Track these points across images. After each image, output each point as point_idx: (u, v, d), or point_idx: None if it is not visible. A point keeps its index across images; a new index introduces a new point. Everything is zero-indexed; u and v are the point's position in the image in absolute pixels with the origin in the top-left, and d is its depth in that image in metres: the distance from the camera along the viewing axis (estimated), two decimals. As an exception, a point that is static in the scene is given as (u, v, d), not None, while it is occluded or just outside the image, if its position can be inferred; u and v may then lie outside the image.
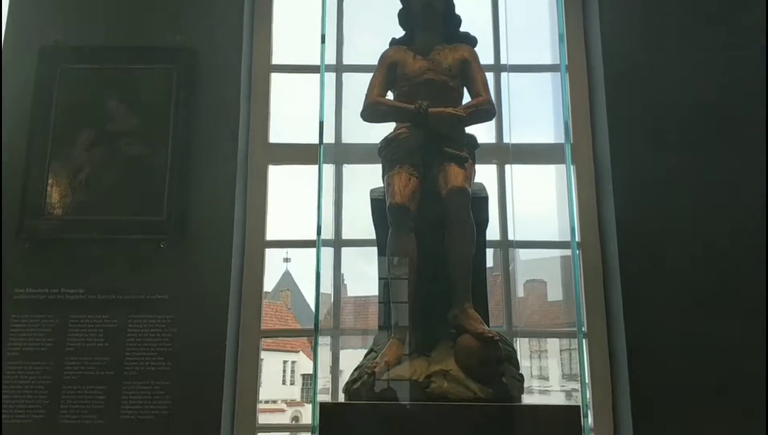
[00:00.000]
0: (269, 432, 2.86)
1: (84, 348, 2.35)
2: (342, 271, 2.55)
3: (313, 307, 1.95)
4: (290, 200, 2.83)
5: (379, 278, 1.99)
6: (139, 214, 2.44)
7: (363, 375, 1.79)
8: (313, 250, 1.94)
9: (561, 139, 2.14)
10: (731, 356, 2.29)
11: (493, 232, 2.45)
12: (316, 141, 1.99)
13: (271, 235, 2.65)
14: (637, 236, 2.42)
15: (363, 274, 2.26)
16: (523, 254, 2.68)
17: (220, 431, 2.29)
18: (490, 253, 2.31)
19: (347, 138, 2.55)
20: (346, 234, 2.59)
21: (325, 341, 2.38)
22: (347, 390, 1.82)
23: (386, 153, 1.94)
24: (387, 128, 2.01)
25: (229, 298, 2.42)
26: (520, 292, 2.64)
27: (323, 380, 2.27)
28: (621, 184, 2.46)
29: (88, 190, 2.47)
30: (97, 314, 2.38)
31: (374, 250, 2.02)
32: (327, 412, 1.68)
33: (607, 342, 2.47)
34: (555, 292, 2.75)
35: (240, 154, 2.57)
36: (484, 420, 1.63)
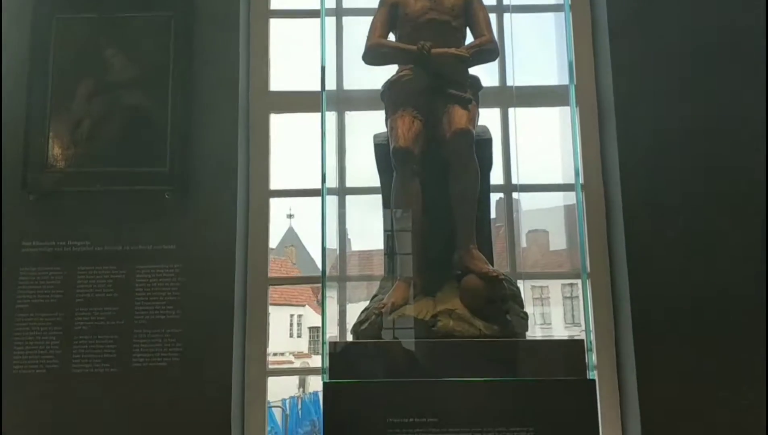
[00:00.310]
0: (280, 376, 2.91)
1: (93, 299, 2.38)
2: (347, 226, 2.55)
3: (317, 261, 1.96)
4: (293, 150, 2.83)
5: (384, 231, 2.00)
6: (141, 165, 2.43)
7: (370, 316, 1.82)
8: (317, 204, 1.94)
9: (565, 81, 2.12)
10: (732, 296, 2.31)
11: (496, 177, 2.45)
12: (317, 88, 1.97)
13: (274, 185, 2.65)
14: (640, 179, 2.41)
15: (367, 228, 2.26)
16: (525, 204, 2.68)
17: (232, 375, 2.34)
18: (492, 204, 2.31)
19: (349, 84, 2.53)
20: (351, 182, 2.58)
21: (331, 293, 2.40)
22: (355, 331, 1.85)
23: (389, 95, 1.93)
24: (390, 72, 1.99)
25: (235, 246, 2.43)
26: (523, 242, 2.64)
27: (331, 330, 2.30)
28: (625, 126, 2.44)
29: (89, 142, 2.46)
30: (105, 265, 2.40)
31: (379, 201, 2.02)
32: (336, 351, 1.71)
33: (610, 284, 2.49)
34: (557, 242, 2.76)
35: (241, 102, 2.55)
36: (490, 356, 1.65)
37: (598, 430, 1.59)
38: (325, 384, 1.67)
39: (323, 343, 1.72)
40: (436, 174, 1.86)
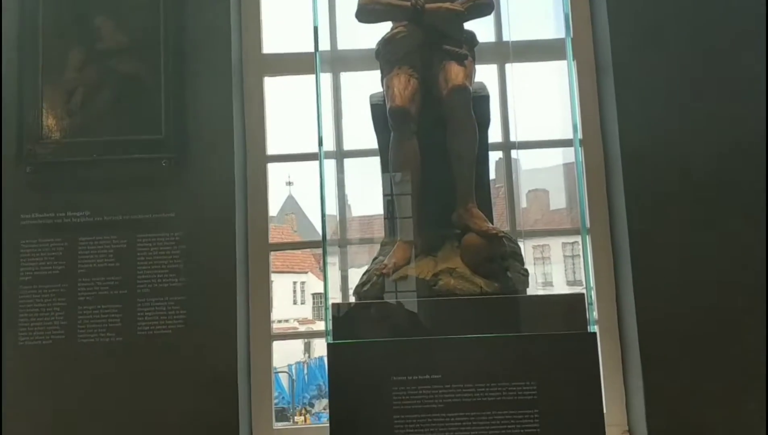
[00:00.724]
0: (284, 340, 2.93)
1: (95, 269, 2.38)
2: (346, 191, 2.54)
3: (317, 228, 1.95)
4: (289, 114, 2.80)
5: (383, 192, 1.99)
6: (136, 133, 2.42)
7: (372, 277, 1.83)
8: (316, 171, 1.92)
9: (561, 34, 2.08)
10: (733, 248, 2.31)
11: (494, 135, 2.43)
12: (310, 49, 1.94)
13: (272, 150, 2.63)
14: (639, 133, 2.39)
15: (367, 193, 2.25)
16: (524, 164, 2.67)
17: (237, 339, 2.35)
18: (492, 164, 2.30)
19: (343, 44, 2.49)
20: (348, 145, 2.57)
21: (333, 260, 2.40)
22: (357, 292, 1.86)
23: (384, 54, 1.90)
24: (384, 29, 1.96)
25: (234, 212, 2.43)
26: (523, 202, 2.64)
27: (334, 295, 2.30)
28: (623, 80, 2.42)
29: (84, 112, 2.44)
30: (105, 235, 2.40)
31: (377, 165, 2.01)
32: (339, 313, 1.72)
33: (610, 240, 2.50)
34: (557, 201, 2.75)
35: (234, 66, 2.52)
36: (491, 312, 1.67)
37: (600, 383, 1.61)
38: (329, 345, 1.68)
39: (326, 305, 1.73)
40: (434, 132, 1.85)
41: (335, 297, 2.27)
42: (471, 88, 1.82)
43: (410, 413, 1.59)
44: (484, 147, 1.95)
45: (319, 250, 1.98)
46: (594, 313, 1.74)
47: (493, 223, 1.85)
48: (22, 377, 2.33)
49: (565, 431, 1.58)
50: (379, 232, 2.08)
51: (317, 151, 1.91)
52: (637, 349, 2.30)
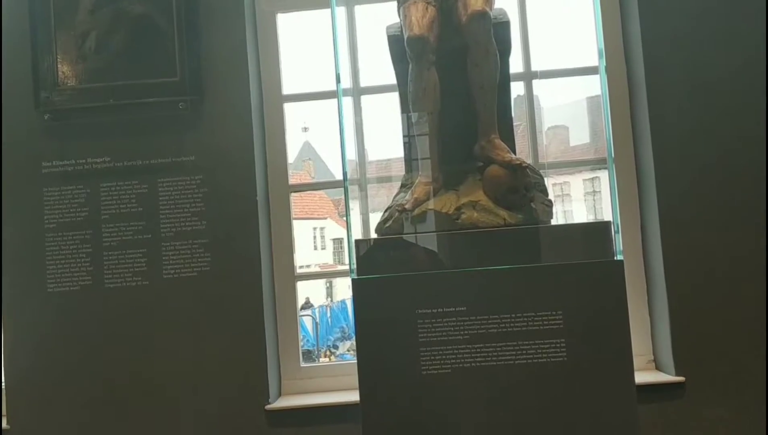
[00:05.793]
0: (308, 280, 2.95)
1: (119, 214, 2.40)
2: (364, 133, 2.49)
3: (335, 174, 1.91)
4: (303, 53, 2.74)
5: (402, 126, 1.95)
6: (152, 77, 2.40)
7: (393, 214, 1.81)
8: (331, 113, 1.88)
9: (583, -43, 2.00)
10: (758, 174, 2.27)
11: (515, 65, 2.36)
12: (324, -19, 1.88)
13: (288, 90, 2.60)
14: (665, 58, 2.32)
15: (385, 135, 2.21)
16: (544, 102, 2.61)
17: (262, 280, 2.38)
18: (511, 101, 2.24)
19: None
20: (365, 82, 2.52)
21: (353, 205, 2.39)
22: (379, 230, 1.84)
23: (399, -18, 1.83)
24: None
25: (253, 154, 2.41)
26: (543, 139, 2.59)
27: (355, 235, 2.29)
28: (647, 3, 2.33)
29: (97, 56, 2.42)
30: (127, 181, 2.41)
31: (395, 103, 1.96)
32: (362, 249, 1.71)
33: (635, 173, 2.45)
34: (578, 137, 2.70)
35: (247, 3, 2.47)
36: (516, 243, 1.65)
37: (627, 311, 1.60)
38: (353, 281, 1.68)
39: (349, 241, 1.72)
40: (454, 63, 1.79)
41: (357, 236, 2.26)
42: (491, 14, 1.75)
43: (436, 345, 1.59)
44: (506, 76, 1.89)
45: (338, 196, 1.96)
46: (620, 240, 1.71)
47: (515, 153, 1.81)
48: (52, 324, 2.38)
49: (592, 360, 1.57)
50: (398, 173, 2.04)
51: (333, 90, 1.87)
52: (663, 279, 2.29)
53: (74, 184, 2.42)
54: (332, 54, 1.86)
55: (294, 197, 2.63)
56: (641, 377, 2.22)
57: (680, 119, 2.31)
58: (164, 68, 2.39)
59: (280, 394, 2.46)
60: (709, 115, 2.30)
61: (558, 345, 1.57)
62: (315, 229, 20.00)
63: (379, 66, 2.17)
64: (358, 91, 2.50)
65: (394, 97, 1.99)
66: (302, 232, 17.92)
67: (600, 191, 2.60)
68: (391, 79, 1.99)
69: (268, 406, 2.34)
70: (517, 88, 2.54)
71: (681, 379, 2.25)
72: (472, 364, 1.58)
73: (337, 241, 19.42)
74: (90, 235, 2.40)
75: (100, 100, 2.40)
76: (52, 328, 2.38)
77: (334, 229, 19.65)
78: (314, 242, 20.05)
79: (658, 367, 2.39)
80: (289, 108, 2.60)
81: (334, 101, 1.86)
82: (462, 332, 1.59)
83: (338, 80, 1.87)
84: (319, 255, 19.24)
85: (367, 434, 1.61)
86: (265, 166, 2.53)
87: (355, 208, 2.37)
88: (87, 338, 2.37)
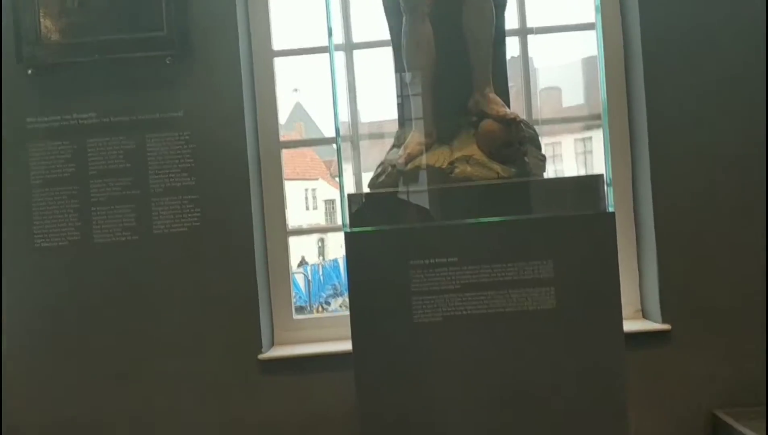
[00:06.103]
0: (300, 235, 2.94)
1: (107, 170, 2.37)
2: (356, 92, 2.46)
3: (325, 134, 1.88)
4: (295, 6, 2.68)
5: (396, 80, 1.92)
6: (138, 31, 2.34)
7: (387, 169, 1.80)
8: (322, 72, 1.84)
9: None
10: (755, 131, 2.28)
11: (510, 22, 2.33)
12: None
13: (278, 46, 2.55)
14: (660, 15, 2.31)
15: (377, 95, 2.18)
16: (537, 61, 2.57)
17: (253, 234, 2.37)
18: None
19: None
20: (357, 37, 2.47)
21: (346, 166, 2.37)
22: (372, 185, 1.83)
23: (392, -70, 1.79)
24: None
25: (243, 110, 2.38)
26: (537, 102, 2.58)
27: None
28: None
29: (81, 10, 2.35)
30: (114, 136, 2.37)
31: (388, 60, 1.92)
32: (355, 203, 1.71)
33: (628, 129, 2.45)
34: (570, 99, 2.68)
35: (234, -46, 2.41)
36: (508, 196, 1.64)
37: (617, 261, 1.60)
38: (346, 235, 1.67)
39: (341, 195, 1.71)
40: (448, 14, 1.76)
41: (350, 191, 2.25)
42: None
43: (427, 295, 1.60)
44: (501, 30, 1.87)
45: (329, 157, 1.94)
46: (611, 193, 1.71)
47: (510, 108, 1.79)
48: (42, 279, 2.37)
49: (582, 307, 1.59)
50: (391, 130, 2.02)
51: (325, 45, 1.82)
52: (652, 232, 2.32)
53: (60, 140, 2.38)
54: (324, 7, 1.82)
55: (286, 157, 2.60)
56: (629, 325, 2.25)
57: (675, 77, 2.30)
58: (150, 22, 2.33)
59: (273, 345, 2.48)
60: (704, 74, 2.30)
61: (548, 293, 1.58)
62: (307, 190, 19.97)
63: (372, 20, 2.13)
64: (350, 47, 2.46)
65: (388, 53, 1.95)
66: (294, 192, 17.90)
67: (592, 151, 2.59)
68: (385, 34, 1.96)
69: (261, 356, 2.36)
70: (512, 48, 2.51)
71: (667, 327, 2.29)
72: (463, 312, 1.59)
73: (329, 202, 19.41)
74: (77, 191, 2.37)
75: (85, 55, 2.34)
76: (40, 282, 2.37)
77: (326, 190, 19.61)
78: (306, 203, 20.04)
79: (645, 316, 2.43)
80: (279, 64, 2.56)
81: (326, 58, 1.83)
82: (454, 282, 1.60)
83: (330, 33, 1.83)
84: (311, 215, 19.24)
85: (360, 381, 1.63)
86: (256, 122, 2.49)
87: (348, 167, 2.36)
88: (77, 293, 2.36)
